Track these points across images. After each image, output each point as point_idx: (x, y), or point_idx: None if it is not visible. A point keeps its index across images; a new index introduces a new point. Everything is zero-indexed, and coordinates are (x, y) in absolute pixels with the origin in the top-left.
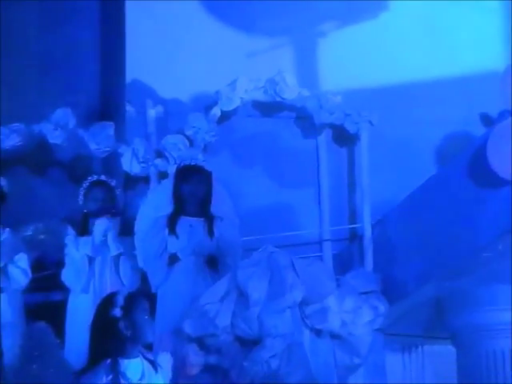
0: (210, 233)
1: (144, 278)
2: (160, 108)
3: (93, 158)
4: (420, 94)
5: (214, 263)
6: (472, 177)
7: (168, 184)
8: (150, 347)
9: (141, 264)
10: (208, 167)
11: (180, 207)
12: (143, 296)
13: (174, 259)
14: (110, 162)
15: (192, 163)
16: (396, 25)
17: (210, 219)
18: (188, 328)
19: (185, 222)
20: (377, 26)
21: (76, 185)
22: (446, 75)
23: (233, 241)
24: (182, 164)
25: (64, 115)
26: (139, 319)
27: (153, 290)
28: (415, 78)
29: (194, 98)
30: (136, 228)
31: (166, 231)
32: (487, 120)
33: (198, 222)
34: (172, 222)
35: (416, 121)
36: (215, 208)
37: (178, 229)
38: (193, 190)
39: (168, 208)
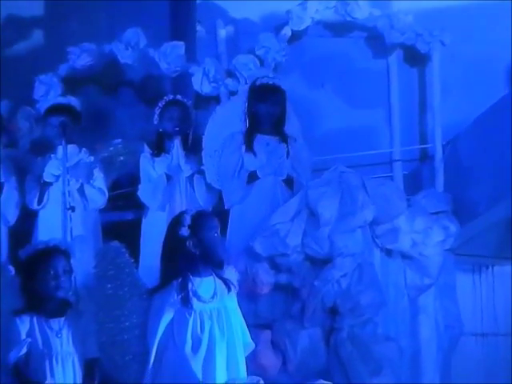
0: (287, 152)
1: (219, 197)
2: (230, 28)
3: (163, 78)
4: (493, 13)
5: (290, 183)
6: None
7: (239, 101)
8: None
9: (210, 180)
10: (283, 86)
11: (254, 125)
12: (212, 215)
13: (252, 177)
14: (181, 81)
15: (269, 82)
16: None
17: (284, 139)
18: (259, 247)
19: (261, 140)
20: None
21: (147, 105)
22: None
23: (305, 161)
24: (257, 82)
25: (135, 35)
26: (207, 238)
27: (226, 207)
28: None
29: (264, 18)
30: (204, 144)
31: (243, 148)
32: None
33: (274, 141)
34: (249, 139)
35: (489, 41)
36: (289, 128)
37: (256, 146)
38: (269, 109)
39: (241, 125)
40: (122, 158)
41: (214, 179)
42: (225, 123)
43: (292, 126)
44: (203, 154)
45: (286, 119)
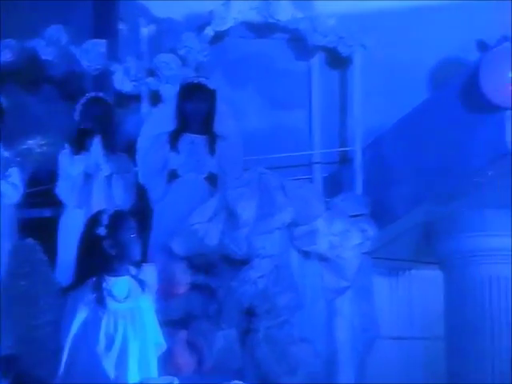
0: (211, 150)
1: (141, 195)
2: (153, 27)
3: (84, 76)
4: (415, 17)
5: (214, 181)
6: (465, 102)
7: (171, 102)
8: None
9: (141, 180)
10: (212, 85)
11: (184, 125)
12: (130, 214)
13: (174, 176)
14: (102, 79)
15: (195, 81)
16: None
17: (212, 137)
18: (177, 247)
19: (187, 138)
20: None
21: (68, 102)
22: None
23: (234, 160)
24: (185, 81)
25: (56, 32)
26: (124, 238)
27: (152, 206)
28: (411, 2)
29: (187, 18)
30: (138, 145)
31: (168, 147)
32: (483, 46)
33: (200, 139)
34: (174, 139)
35: (411, 45)
36: (218, 126)
37: (180, 145)
38: (195, 107)
39: (171, 125)
40: (41, 155)
41: (142, 178)
42: (158, 123)
43: (223, 124)
44: (137, 154)
45: (216, 118)
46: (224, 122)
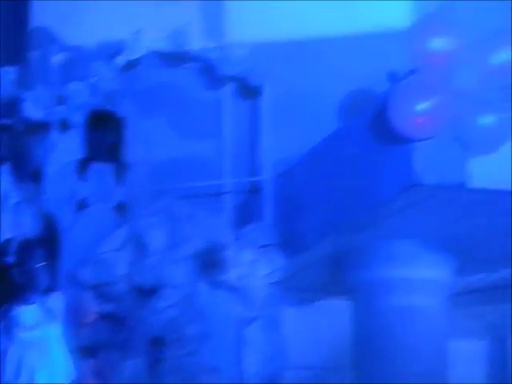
0: (120, 179)
1: (49, 224)
2: (64, 54)
3: None
4: (326, 49)
5: (122, 210)
6: (374, 133)
7: (80, 130)
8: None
9: (50, 209)
10: (120, 114)
11: (92, 153)
12: (38, 243)
13: (82, 205)
14: (12, 107)
15: (103, 109)
16: None
17: (120, 165)
18: (85, 275)
19: (95, 167)
20: None
21: None
22: (353, 31)
23: (142, 189)
24: (93, 110)
25: None
26: (32, 266)
27: (60, 236)
28: (322, 33)
29: (98, 46)
30: (47, 173)
31: (76, 176)
32: (393, 78)
33: (108, 168)
34: (82, 167)
35: (321, 76)
36: (126, 155)
37: (88, 174)
38: (103, 136)
39: (78, 154)
40: None
41: (50, 207)
42: (66, 152)
43: (131, 152)
44: (45, 182)
45: (123, 146)
46: (132, 150)
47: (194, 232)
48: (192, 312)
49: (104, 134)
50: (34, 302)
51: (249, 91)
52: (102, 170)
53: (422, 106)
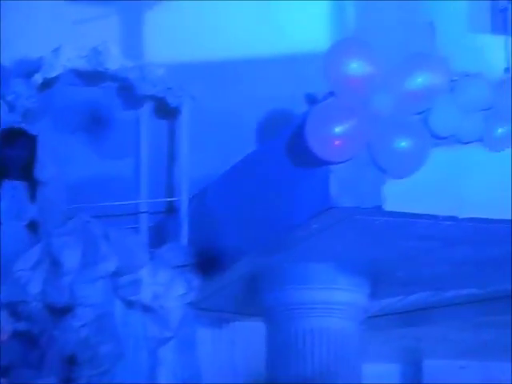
0: (32, 197)
1: None
2: None
3: None
4: (245, 70)
5: (35, 228)
6: (291, 155)
7: None
8: None
9: None
10: (32, 131)
11: (4, 171)
12: None
13: None
14: None
15: (16, 127)
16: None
17: (33, 183)
18: None
19: (7, 185)
20: (204, 0)
21: None
22: (273, 53)
23: (55, 207)
24: (4, 128)
25: None
26: None
27: None
28: (241, 54)
29: (16, 64)
30: None
31: None
32: (311, 100)
33: (20, 186)
34: None
35: (240, 97)
36: (39, 173)
37: (1, 192)
38: (15, 153)
39: None
40: None
41: None
42: None
43: (44, 170)
44: None
45: (37, 164)
46: (45, 168)
47: (109, 251)
48: (106, 331)
49: (16, 151)
50: None
51: (167, 111)
52: (14, 187)
53: (338, 129)
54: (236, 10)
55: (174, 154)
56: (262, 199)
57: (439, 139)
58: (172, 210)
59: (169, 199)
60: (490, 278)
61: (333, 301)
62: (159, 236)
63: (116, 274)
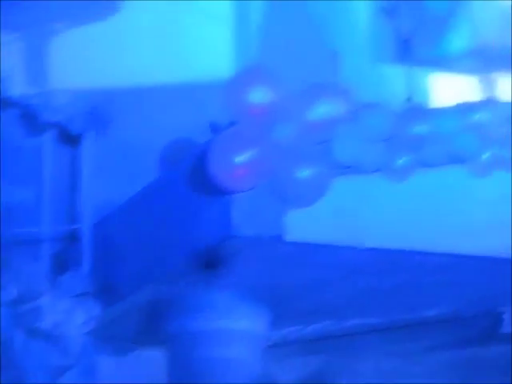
0: None
1: None
2: None
3: None
4: (148, 98)
5: None
6: (193, 183)
7: None
8: None
9: None
10: None
11: None
12: None
13: None
14: None
15: None
16: (127, 27)
17: None
18: None
19: None
20: (107, 28)
21: None
22: (176, 81)
23: None
24: None
25: None
26: None
27: None
28: (144, 82)
29: None
30: None
31: None
32: (213, 129)
33: None
34: None
35: (144, 125)
36: None
37: None
38: None
39: None
40: None
41: None
42: None
43: None
44: None
45: None
46: None
47: (9, 279)
48: (6, 360)
49: None
50: None
51: (70, 138)
52: None
53: (240, 158)
54: (141, 38)
55: (77, 181)
56: (165, 227)
57: (340, 169)
58: (74, 237)
59: (71, 226)
60: (391, 307)
61: (233, 329)
62: (61, 264)
63: (16, 301)
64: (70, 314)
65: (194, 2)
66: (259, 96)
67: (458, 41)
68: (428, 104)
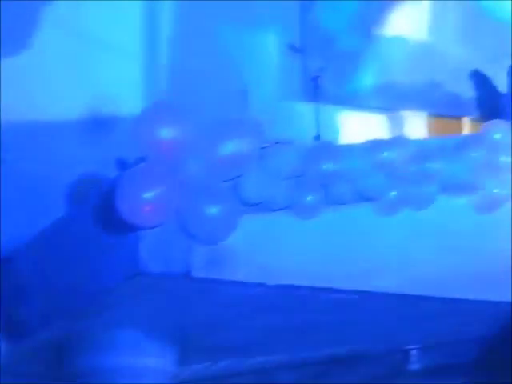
0: None
1: None
2: None
3: None
4: (57, 132)
5: None
6: (101, 220)
7: None
8: None
9: None
10: None
11: None
12: None
13: None
14: None
15: None
16: (38, 63)
17: None
18: None
19: None
20: (19, 63)
21: None
22: (84, 116)
23: None
24: None
25: None
26: None
27: None
28: (54, 117)
29: None
30: None
31: None
32: (121, 165)
33: None
34: None
35: (50, 160)
36: None
37: None
38: None
39: None
40: None
41: None
42: None
43: None
44: None
45: None
46: None
47: None
48: None
49: None
50: None
51: None
52: None
53: (148, 194)
54: (51, 73)
55: None
56: (72, 264)
57: (249, 206)
58: None
59: None
60: (299, 345)
61: (140, 367)
62: None
63: None
64: None
65: (104, 37)
66: (168, 132)
67: (367, 78)
68: (336, 141)
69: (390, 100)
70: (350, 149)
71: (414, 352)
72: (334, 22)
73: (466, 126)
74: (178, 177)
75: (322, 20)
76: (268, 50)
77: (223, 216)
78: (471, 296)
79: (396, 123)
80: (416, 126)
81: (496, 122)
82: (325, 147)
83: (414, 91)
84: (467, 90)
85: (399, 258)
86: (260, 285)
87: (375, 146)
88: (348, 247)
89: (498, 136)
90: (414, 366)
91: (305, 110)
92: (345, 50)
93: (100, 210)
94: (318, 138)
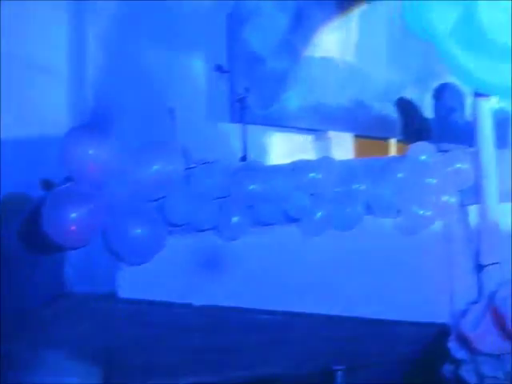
0: None
1: None
2: None
3: None
4: None
5: None
6: (26, 239)
7: None
8: None
9: None
10: None
11: None
12: None
13: None
14: None
15: None
16: None
17: None
18: None
19: None
20: None
21: None
22: (10, 135)
23: None
24: None
25: None
26: None
27: None
28: None
29: None
30: None
31: None
32: (47, 185)
33: None
34: None
35: None
36: None
37: None
38: None
39: None
40: None
41: None
42: None
43: None
44: None
45: None
46: None
47: None
48: None
49: None
50: None
51: None
52: None
53: (74, 215)
54: None
55: None
56: None
57: (174, 227)
58: None
59: None
60: (225, 365)
61: None
62: None
63: None
64: None
65: (30, 57)
66: (93, 153)
67: (294, 99)
68: (263, 162)
69: (317, 121)
70: (276, 169)
71: (339, 373)
72: (262, 43)
73: (392, 148)
74: (104, 197)
75: (249, 41)
76: (195, 71)
77: (149, 236)
78: (395, 317)
79: (322, 144)
80: (342, 146)
81: (422, 143)
82: (251, 168)
83: (341, 112)
84: (394, 112)
85: (324, 278)
86: (186, 305)
87: (301, 166)
88: (274, 268)
89: (423, 157)
90: None
91: (231, 130)
92: (272, 71)
93: (25, 229)
94: (244, 158)
